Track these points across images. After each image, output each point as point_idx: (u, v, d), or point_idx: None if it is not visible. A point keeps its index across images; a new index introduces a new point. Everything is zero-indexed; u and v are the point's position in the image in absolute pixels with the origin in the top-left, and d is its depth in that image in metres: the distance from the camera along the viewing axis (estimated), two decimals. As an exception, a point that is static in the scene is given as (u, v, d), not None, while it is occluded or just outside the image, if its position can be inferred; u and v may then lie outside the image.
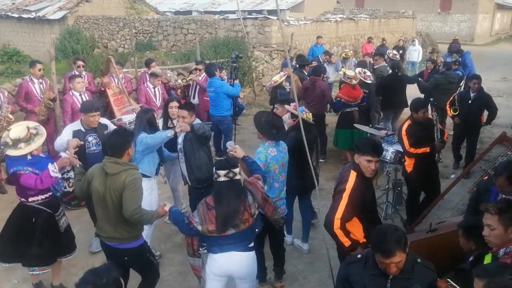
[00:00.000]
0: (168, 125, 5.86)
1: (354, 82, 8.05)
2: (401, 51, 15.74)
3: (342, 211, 3.68)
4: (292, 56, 11.30)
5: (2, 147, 4.35)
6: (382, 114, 9.76)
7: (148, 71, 8.75)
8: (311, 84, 8.37)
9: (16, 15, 17.58)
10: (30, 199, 4.41)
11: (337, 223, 3.68)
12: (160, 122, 5.87)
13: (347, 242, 3.70)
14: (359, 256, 3.09)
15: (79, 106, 7.05)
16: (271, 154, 4.47)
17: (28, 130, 4.34)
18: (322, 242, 4.98)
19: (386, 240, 2.79)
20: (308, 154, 4.46)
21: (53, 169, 4.24)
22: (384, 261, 2.81)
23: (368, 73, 8.69)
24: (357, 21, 19.27)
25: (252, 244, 3.80)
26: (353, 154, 3.97)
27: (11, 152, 4.29)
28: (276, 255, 4.93)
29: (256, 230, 3.83)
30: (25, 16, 17.35)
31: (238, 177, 3.68)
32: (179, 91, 9.26)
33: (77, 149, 4.56)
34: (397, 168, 6.57)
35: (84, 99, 7.22)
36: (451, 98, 8.09)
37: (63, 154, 4.66)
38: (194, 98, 9.00)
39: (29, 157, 4.34)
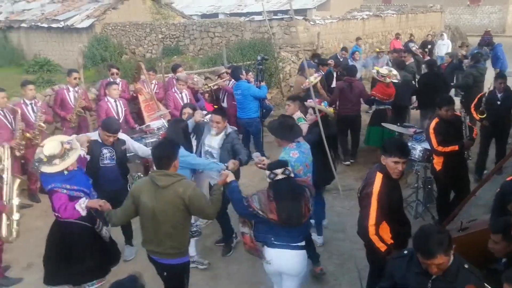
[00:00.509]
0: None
1: (388, 80, 7.99)
2: (429, 46, 15.44)
3: (374, 217, 3.66)
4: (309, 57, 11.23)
5: (36, 164, 4.24)
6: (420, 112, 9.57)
7: (174, 77, 8.85)
8: (348, 85, 8.26)
9: (46, 25, 18.05)
10: (66, 215, 4.27)
11: (371, 229, 3.66)
12: None
13: (383, 247, 3.68)
14: (405, 252, 3.10)
15: (113, 113, 7.28)
16: (294, 157, 4.54)
17: (62, 146, 4.22)
18: (352, 243, 4.94)
19: (428, 241, 2.79)
20: (326, 148, 4.63)
21: (81, 205, 4.16)
22: (425, 261, 2.81)
23: (394, 72, 8.57)
24: (384, 17, 19.00)
25: (303, 243, 3.92)
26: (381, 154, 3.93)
27: (46, 169, 4.19)
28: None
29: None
30: (54, 25, 17.79)
31: (292, 174, 3.85)
32: (206, 95, 9.32)
33: (88, 144, 4.64)
34: (426, 166, 6.48)
35: (119, 106, 7.39)
36: (475, 100, 7.66)
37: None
38: (223, 101, 9.05)
39: (65, 172, 4.24)
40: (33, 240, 6.01)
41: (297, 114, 6.09)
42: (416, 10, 22.06)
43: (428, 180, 6.54)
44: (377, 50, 12.30)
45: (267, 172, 3.84)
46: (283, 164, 3.86)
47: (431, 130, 5.69)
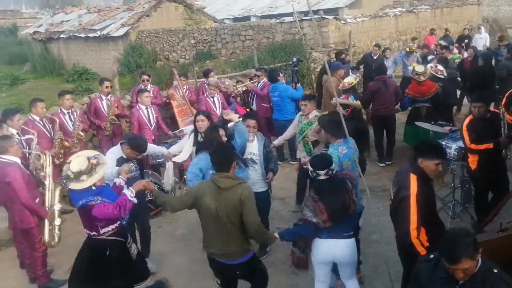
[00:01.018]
0: (198, 138, 5.77)
1: (422, 78, 7.82)
2: (466, 41, 15.03)
3: (416, 220, 3.61)
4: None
5: (64, 181, 4.17)
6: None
7: (206, 81, 8.97)
8: (382, 83, 8.09)
9: (83, 35, 18.61)
10: (102, 231, 4.22)
11: (413, 233, 3.61)
12: (192, 135, 5.87)
13: (423, 251, 3.62)
14: (431, 256, 3.04)
15: (145, 119, 7.43)
16: (342, 152, 4.66)
17: (88, 161, 4.14)
18: (387, 244, 4.89)
19: (453, 245, 2.72)
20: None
21: (130, 194, 4.14)
22: (450, 266, 2.75)
23: (440, 68, 8.37)
24: (417, 13, 18.63)
25: (352, 232, 4.13)
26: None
27: (74, 186, 4.10)
28: None
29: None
30: (91, 35, 18.32)
31: (335, 171, 4.00)
32: (238, 98, 9.40)
33: (130, 174, 4.64)
34: (463, 164, 6.29)
35: (150, 113, 7.54)
36: (505, 99, 7.30)
37: (116, 180, 4.56)
38: (252, 104, 9.10)
39: (93, 187, 4.15)
40: (74, 244, 6.14)
41: (313, 113, 6.28)
42: (451, 4, 21.52)
43: (465, 180, 6.35)
44: (407, 50, 12.05)
45: (310, 169, 3.99)
46: (326, 164, 3.95)
47: (464, 128, 5.54)
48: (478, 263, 2.78)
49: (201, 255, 5.71)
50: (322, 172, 3.91)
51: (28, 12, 44.38)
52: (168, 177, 6.22)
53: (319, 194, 3.88)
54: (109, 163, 4.76)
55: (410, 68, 8.62)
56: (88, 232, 4.29)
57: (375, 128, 8.29)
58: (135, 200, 4.17)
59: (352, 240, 4.12)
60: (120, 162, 4.99)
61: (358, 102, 5.95)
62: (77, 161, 4.14)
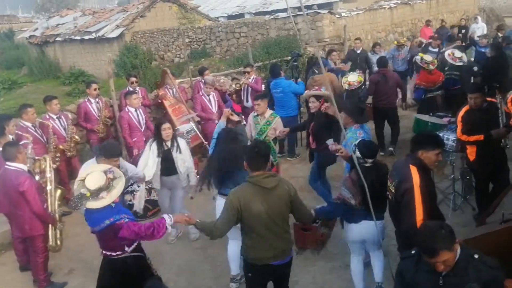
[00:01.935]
0: (162, 148, 5.74)
1: (431, 67, 7.83)
2: (463, 31, 14.98)
3: (421, 211, 3.57)
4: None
5: (77, 200, 3.82)
6: None
7: (201, 80, 8.92)
8: (382, 76, 8.09)
9: (79, 38, 18.55)
10: (127, 249, 3.92)
11: (420, 225, 3.53)
12: (154, 146, 5.75)
13: None
14: (413, 252, 3.03)
15: (135, 122, 7.38)
16: (360, 136, 4.96)
17: (106, 176, 3.84)
18: (388, 238, 4.88)
19: (429, 239, 2.76)
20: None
21: (169, 221, 3.81)
22: (429, 260, 2.77)
23: (458, 54, 8.30)
24: (412, 4, 18.55)
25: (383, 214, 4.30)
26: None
27: (93, 205, 3.76)
28: None
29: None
30: (86, 37, 18.26)
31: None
32: (234, 96, 9.36)
33: None
34: (463, 156, 6.23)
35: (139, 115, 7.49)
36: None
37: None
38: (247, 101, 9.06)
39: (112, 205, 3.84)
40: (73, 246, 6.22)
41: (269, 112, 6.56)
42: (447, -5, 21.44)
43: (466, 171, 6.27)
44: (395, 43, 11.96)
45: (357, 155, 4.14)
46: (373, 153, 4.23)
47: (459, 118, 5.47)
48: (457, 254, 2.80)
49: (201, 255, 5.74)
50: (370, 160, 4.16)
51: (24, 16, 44.25)
52: (140, 199, 6.15)
53: (365, 179, 3.94)
54: None
55: (418, 57, 8.51)
56: (109, 253, 3.94)
57: (375, 120, 8.27)
58: (170, 229, 3.87)
59: (382, 220, 4.34)
60: None
61: (328, 93, 6.21)
62: (94, 177, 3.81)
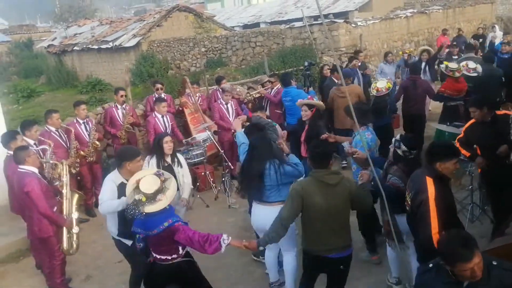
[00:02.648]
0: (162, 164, 5.51)
1: (457, 74, 7.81)
2: (481, 40, 14.84)
3: (437, 224, 3.53)
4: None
5: (133, 208, 3.73)
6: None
7: (218, 88, 8.98)
8: (412, 83, 8.10)
9: (96, 47, 18.79)
10: (182, 252, 3.92)
11: (436, 238, 3.50)
12: (152, 162, 5.55)
13: None
14: (430, 265, 2.97)
15: (161, 128, 7.50)
16: (369, 137, 5.26)
17: (159, 178, 3.82)
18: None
19: (461, 244, 2.68)
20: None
21: (225, 240, 3.73)
22: (466, 266, 2.65)
23: (472, 66, 8.26)
24: (429, 13, 18.48)
25: None
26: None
27: (151, 208, 3.72)
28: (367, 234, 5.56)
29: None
30: (103, 46, 18.48)
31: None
32: (250, 104, 9.39)
33: None
34: (482, 166, 6.15)
35: (166, 122, 7.60)
36: None
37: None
38: (266, 110, 9.08)
39: (167, 207, 3.83)
40: (90, 253, 6.28)
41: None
42: (464, 3, 21.29)
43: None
44: (401, 53, 11.91)
45: (403, 148, 4.35)
46: (416, 145, 4.52)
47: (463, 129, 5.40)
48: None
49: (215, 262, 5.71)
50: (414, 152, 4.39)
51: (43, 26, 45.09)
52: None
53: (411, 169, 4.11)
54: (110, 191, 4.47)
55: (443, 66, 8.44)
56: (164, 257, 3.87)
57: (404, 127, 8.29)
58: (223, 249, 3.76)
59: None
60: (122, 188, 4.35)
61: (321, 103, 6.53)
62: (148, 181, 3.79)
